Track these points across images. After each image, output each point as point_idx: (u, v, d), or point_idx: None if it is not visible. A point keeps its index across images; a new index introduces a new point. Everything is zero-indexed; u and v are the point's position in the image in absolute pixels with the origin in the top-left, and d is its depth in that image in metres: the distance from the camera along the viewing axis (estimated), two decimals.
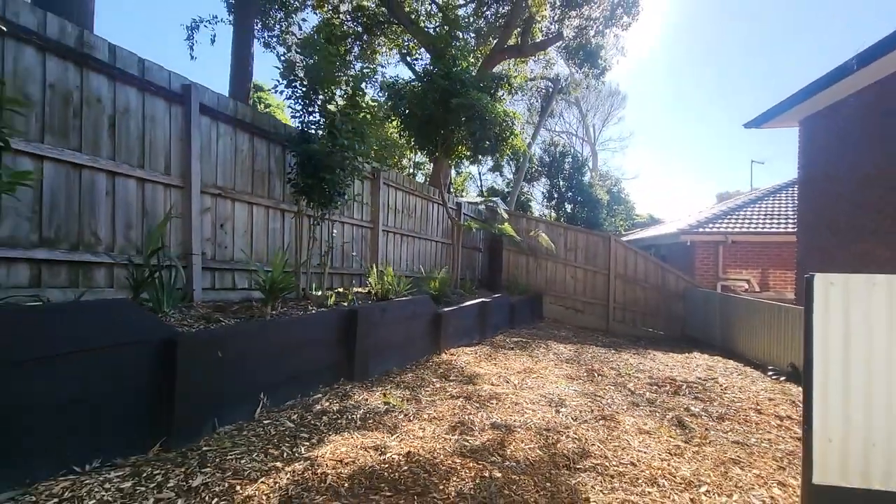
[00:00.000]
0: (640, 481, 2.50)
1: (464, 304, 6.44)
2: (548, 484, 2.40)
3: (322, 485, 2.16)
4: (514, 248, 10.93)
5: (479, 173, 29.20)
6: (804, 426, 2.25)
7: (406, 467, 2.41)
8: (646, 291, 10.89)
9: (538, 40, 13.38)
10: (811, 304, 2.24)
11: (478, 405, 3.64)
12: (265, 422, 2.87)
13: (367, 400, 3.47)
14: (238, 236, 4.74)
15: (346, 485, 2.19)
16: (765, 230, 12.37)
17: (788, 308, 6.79)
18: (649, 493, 2.39)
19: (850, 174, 7.04)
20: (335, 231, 5.84)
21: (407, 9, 14.24)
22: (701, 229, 12.52)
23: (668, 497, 2.36)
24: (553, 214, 26.48)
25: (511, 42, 12.94)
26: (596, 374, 5.31)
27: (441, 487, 2.25)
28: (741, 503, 2.37)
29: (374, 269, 6.23)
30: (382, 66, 16.32)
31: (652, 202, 74.25)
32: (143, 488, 1.97)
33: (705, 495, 2.42)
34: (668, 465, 2.77)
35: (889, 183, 6.22)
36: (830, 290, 2.22)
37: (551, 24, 13.10)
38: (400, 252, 7.87)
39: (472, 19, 14.84)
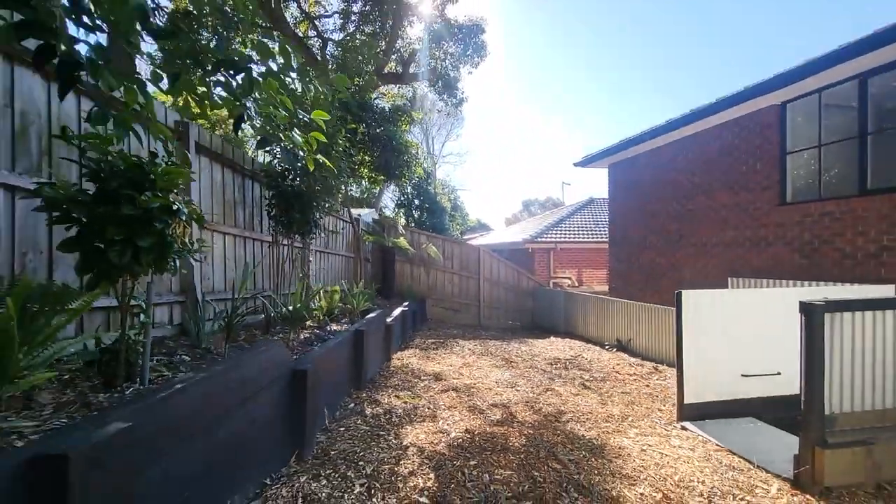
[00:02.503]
0: (601, 420, 4.09)
1: (395, 314, 7.36)
2: (557, 432, 3.77)
3: (442, 455, 3.08)
4: (403, 258, 12.08)
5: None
6: (678, 373, 4.15)
7: (476, 439, 3.47)
8: (506, 291, 13.34)
9: (412, 71, 14.74)
10: (680, 306, 4.14)
11: (466, 394, 4.79)
12: (341, 429, 3.50)
13: (391, 402, 4.28)
14: (216, 266, 4.79)
15: (453, 453, 3.15)
16: (578, 240, 16.33)
17: (611, 300, 9.69)
18: (608, 425, 3.99)
19: (638, 207, 10.40)
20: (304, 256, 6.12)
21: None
22: (539, 239, 15.79)
23: (619, 426, 3.99)
24: (403, 220, 28.35)
25: (389, 69, 13.99)
26: (510, 362, 6.94)
27: (510, 444, 3.40)
28: (650, 421, 4.16)
29: (318, 288, 6.64)
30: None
31: (477, 207, 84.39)
32: (336, 483, 2.59)
33: (633, 420, 4.14)
34: (604, 409, 4.45)
35: (661, 215, 9.56)
36: (689, 297, 4.16)
37: (423, 57, 14.61)
38: (320, 268, 8.24)
39: (341, 36, 15.27)
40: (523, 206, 72.25)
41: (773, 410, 4.07)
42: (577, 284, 15.79)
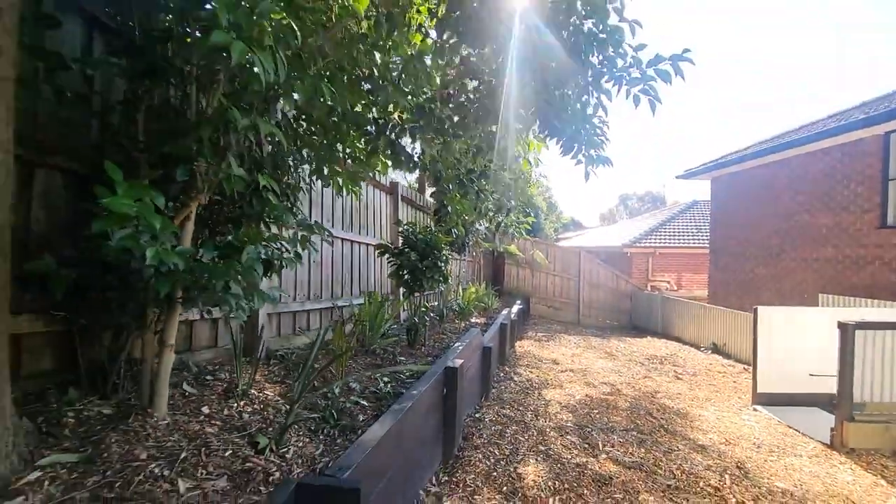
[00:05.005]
0: (688, 399, 5.54)
1: (514, 311, 9.19)
2: (652, 402, 5.32)
3: (574, 406, 4.85)
4: (511, 261, 13.92)
5: None
6: (753, 367, 5.43)
7: (594, 400, 5.18)
8: (604, 293, 14.51)
9: None
10: (756, 318, 5.41)
11: (581, 375, 6.48)
12: (501, 387, 5.41)
13: (528, 375, 6.13)
14: None
15: (580, 406, 4.89)
16: (679, 244, 16.76)
17: (707, 306, 10.54)
18: (692, 402, 5.43)
19: (740, 220, 11.00)
20: None
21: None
22: (637, 244, 16.57)
23: (701, 404, 5.41)
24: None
25: None
26: (611, 355, 8.42)
27: (618, 405, 5.05)
28: (729, 403, 5.49)
29: (461, 290, 8.73)
30: None
31: (570, 201, 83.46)
32: (515, 412, 4.49)
33: (716, 402, 5.52)
34: (692, 393, 5.86)
35: (762, 229, 10.15)
36: (763, 312, 5.41)
37: None
38: (454, 272, 10.39)
39: None
40: (620, 200, 69.78)
41: (832, 403, 5.18)
42: (675, 288, 16.32)
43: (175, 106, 1.89)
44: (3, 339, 1.43)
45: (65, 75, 1.69)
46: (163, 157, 1.82)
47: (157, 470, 1.56)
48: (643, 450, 3.76)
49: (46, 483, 1.39)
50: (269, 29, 1.44)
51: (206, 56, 1.50)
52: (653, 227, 18.02)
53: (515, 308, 9.54)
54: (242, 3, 1.33)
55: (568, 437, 3.90)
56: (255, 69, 1.36)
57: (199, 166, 1.76)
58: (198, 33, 1.74)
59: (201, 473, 1.62)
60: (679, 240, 17.03)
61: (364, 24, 2.39)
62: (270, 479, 1.71)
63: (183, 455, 1.68)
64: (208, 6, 1.73)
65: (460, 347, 3.92)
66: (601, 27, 2.44)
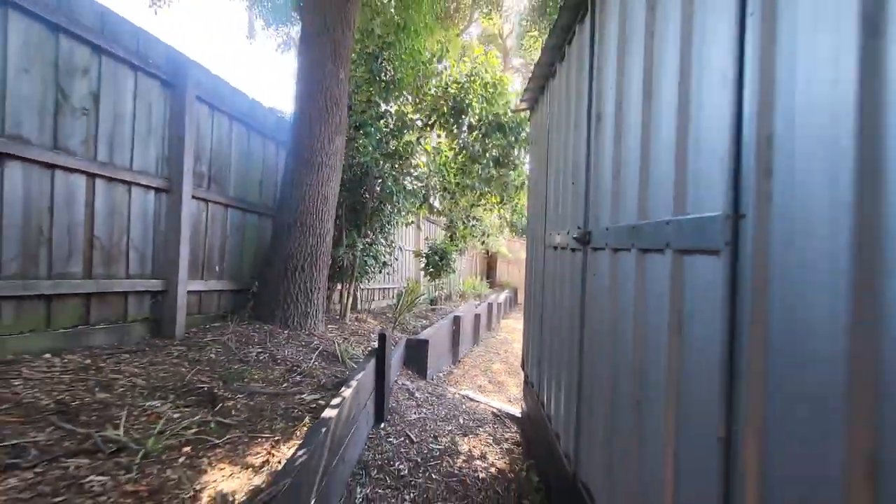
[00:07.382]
0: None
1: (501, 298, 12.26)
2: None
3: None
4: (503, 259, 16.99)
5: None
6: None
7: None
8: None
9: None
10: None
11: None
12: (487, 340, 8.49)
13: (506, 336, 9.22)
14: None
15: None
16: None
17: None
18: None
19: None
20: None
21: None
22: None
23: None
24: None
25: None
26: None
27: None
28: None
29: (461, 281, 11.77)
30: None
31: None
32: (494, 349, 7.58)
33: None
34: None
35: None
36: None
37: None
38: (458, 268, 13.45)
39: None
40: None
41: None
42: None
43: (350, 203, 4.95)
44: (324, 291, 4.48)
45: None
46: (350, 220, 4.88)
47: (360, 330, 4.64)
48: None
49: (333, 331, 4.48)
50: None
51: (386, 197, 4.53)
52: None
53: (503, 296, 12.63)
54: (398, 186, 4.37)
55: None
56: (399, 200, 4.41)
57: (367, 224, 4.82)
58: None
59: (372, 333, 4.70)
60: None
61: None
62: (395, 339, 4.78)
63: (363, 329, 4.76)
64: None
65: (461, 308, 6.98)
66: None
